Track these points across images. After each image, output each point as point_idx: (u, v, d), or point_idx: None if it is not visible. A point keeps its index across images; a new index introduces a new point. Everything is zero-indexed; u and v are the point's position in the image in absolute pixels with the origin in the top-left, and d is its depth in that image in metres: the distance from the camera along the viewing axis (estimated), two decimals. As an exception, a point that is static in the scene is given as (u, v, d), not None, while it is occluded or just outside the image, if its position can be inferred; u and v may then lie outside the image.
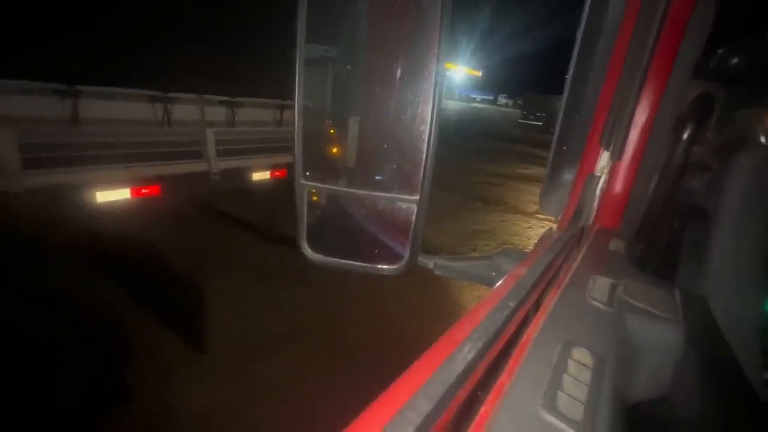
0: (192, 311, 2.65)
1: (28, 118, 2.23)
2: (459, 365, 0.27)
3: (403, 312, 3.55)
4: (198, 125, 3.21)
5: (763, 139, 0.68)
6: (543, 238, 0.80)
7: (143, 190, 2.73)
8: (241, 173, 3.45)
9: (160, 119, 2.92)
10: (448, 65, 0.74)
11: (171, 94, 2.93)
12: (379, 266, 0.78)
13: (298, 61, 0.67)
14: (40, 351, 2.17)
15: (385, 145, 0.77)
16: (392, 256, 0.78)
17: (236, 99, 3.41)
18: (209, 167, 3.23)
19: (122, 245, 2.66)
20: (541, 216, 7.20)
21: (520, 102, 50.12)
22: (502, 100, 79.88)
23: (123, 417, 2.24)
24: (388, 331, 3.32)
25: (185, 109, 3.10)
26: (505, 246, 0.82)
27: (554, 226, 0.88)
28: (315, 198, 0.80)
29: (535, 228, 6.81)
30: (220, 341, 2.77)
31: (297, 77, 0.68)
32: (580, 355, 0.35)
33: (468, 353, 0.28)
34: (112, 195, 2.56)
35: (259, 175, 3.50)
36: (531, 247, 0.85)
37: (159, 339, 2.66)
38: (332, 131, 0.86)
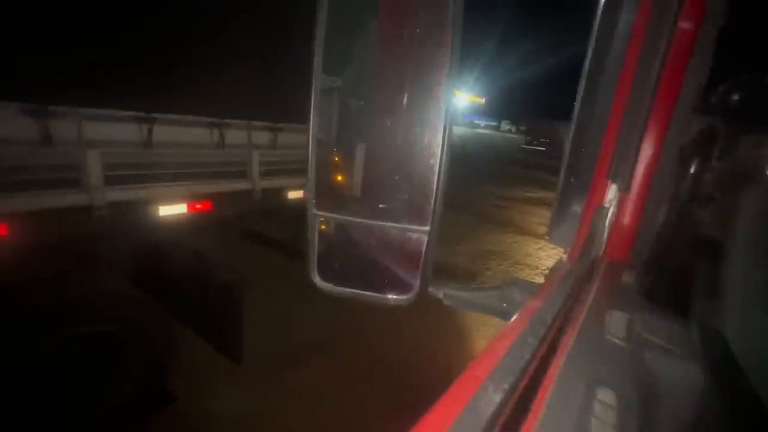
0: (228, 320, 2.84)
1: (111, 141, 2.54)
2: (487, 407, 0.26)
3: (426, 324, 3.73)
4: (245, 147, 3.50)
5: (769, 173, 0.69)
6: (554, 270, 0.80)
7: (197, 206, 2.99)
8: (279, 192, 3.69)
9: (216, 142, 3.22)
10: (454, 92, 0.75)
11: (226, 120, 3.25)
12: (389, 296, 0.78)
13: (313, 95, 0.69)
14: (89, 351, 2.32)
15: (395, 176, 0.78)
16: (402, 286, 0.78)
17: (279, 124, 3.71)
18: (253, 186, 3.46)
19: (174, 255, 2.89)
20: (550, 237, 7.28)
21: (523, 128, 50.74)
22: (505, 125, 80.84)
23: (168, 419, 2.49)
24: (409, 340, 3.54)
25: (235, 134, 3.41)
26: (515, 277, 0.82)
27: (564, 256, 0.88)
28: (324, 227, 0.81)
29: (545, 249, 6.80)
30: (254, 349, 2.94)
31: (312, 111, 0.70)
32: (605, 395, 0.34)
33: (494, 394, 0.28)
34: (172, 209, 2.82)
35: (295, 194, 3.73)
36: (544, 267, 0.85)
37: (198, 344, 2.83)
38: (337, 159, 0.88)
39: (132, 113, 2.61)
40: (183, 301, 2.85)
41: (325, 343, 3.46)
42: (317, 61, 0.66)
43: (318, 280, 0.79)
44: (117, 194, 2.49)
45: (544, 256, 6.52)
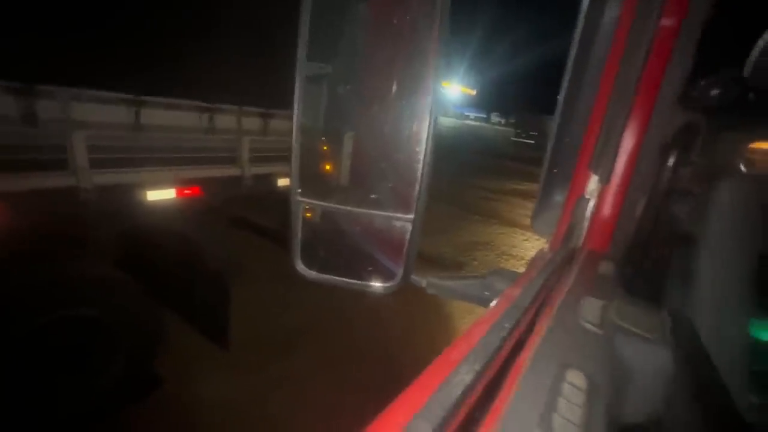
0: (216, 305, 2.88)
1: (98, 123, 2.49)
2: (457, 387, 0.27)
3: (412, 312, 3.80)
4: (235, 133, 3.49)
5: (743, 168, 0.71)
6: (535, 259, 0.82)
7: (186, 191, 2.97)
8: (269, 179, 3.70)
9: (206, 127, 3.20)
10: (443, 83, 0.74)
11: (216, 105, 3.23)
12: (372, 284, 0.78)
13: (297, 79, 0.68)
14: (76, 334, 2.30)
15: (381, 164, 0.78)
16: (385, 274, 0.78)
17: (270, 111, 3.69)
18: (243, 172, 3.45)
19: (162, 240, 2.89)
20: (536, 229, 7.45)
21: (512, 120, 50.96)
22: (494, 118, 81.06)
23: (154, 403, 2.52)
24: (394, 328, 3.60)
25: (225, 119, 3.40)
26: (498, 267, 0.83)
27: (546, 246, 0.90)
28: (309, 215, 0.81)
29: (531, 240, 6.94)
30: (240, 335, 2.98)
31: (296, 95, 0.69)
32: (574, 377, 0.35)
33: (465, 375, 0.28)
34: (160, 194, 2.80)
35: (285, 181, 3.74)
36: (529, 258, 0.87)
37: (185, 330, 2.86)
38: (325, 147, 0.87)
39: (120, 95, 2.55)
40: (171, 286, 2.84)
41: (310, 331, 3.49)
42: (301, 46, 0.65)
43: (301, 267, 0.79)
44: (104, 177, 2.45)
45: (530, 247, 6.65)
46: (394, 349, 3.35)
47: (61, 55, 2.10)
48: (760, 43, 0.63)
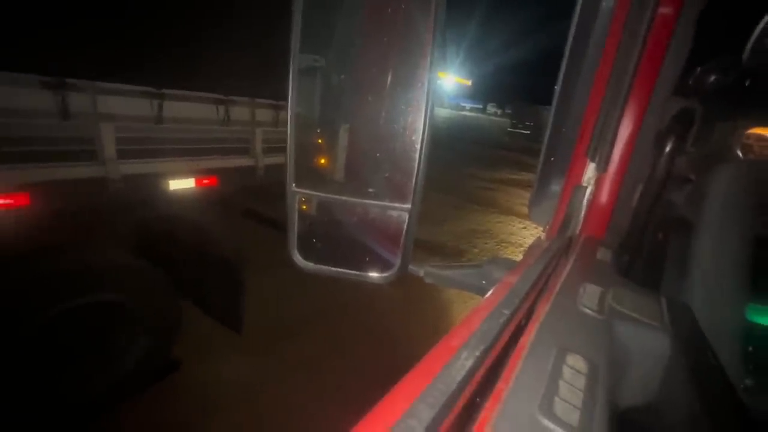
0: (230, 292, 2.96)
1: (122, 116, 2.56)
2: (458, 372, 0.27)
3: (414, 298, 3.89)
4: (249, 125, 3.57)
5: (740, 153, 0.71)
6: (532, 247, 0.82)
7: (204, 181, 3.08)
8: (281, 169, 3.64)
9: (222, 119, 3.29)
10: (439, 74, 0.74)
11: (231, 97, 3.31)
12: (370, 274, 0.78)
13: (291, 69, 0.67)
14: (101, 318, 2.37)
15: (377, 154, 0.77)
16: (383, 264, 0.78)
17: (281, 102, 3.71)
18: (256, 162, 3.58)
19: (181, 229, 2.96)
20: (534, 218, 7.57)
21: (509, 111, 50.65)
22: (491, 108, 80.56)
23: (172, 386, 2.64)
24: (397, 315, 3.70)
25: (239, 111, 3.47)
26: (495, 256, 0.84)
27: (543, 234, 0.90)
28: (305, 207, 0.80)
29: (529, 228, 7.00)
30: (252, 322, 3.04)
31: (290, 86, 0.68)
32: (575, 361, 0.36)
33: (466, 360, 0.29)
34: (181, 184, 2.91)
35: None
36: (526, 245, 0.87)
37: (197, 317, 2.92)
38: (320, 140, 0.87)
39: (142, 88, 2.62)
40: (186, 273, 2.92)
41: (316, 318, 3.56)
42: (294, 39, 0.65)
43: (298, 259, 0.79)
44: (131, 167, 2.54)
45: (528, 234, 6.71)
46: (396, 335, 3.41)
47: (79, 49, 2.13)
48: (761, 25, 0.63)
